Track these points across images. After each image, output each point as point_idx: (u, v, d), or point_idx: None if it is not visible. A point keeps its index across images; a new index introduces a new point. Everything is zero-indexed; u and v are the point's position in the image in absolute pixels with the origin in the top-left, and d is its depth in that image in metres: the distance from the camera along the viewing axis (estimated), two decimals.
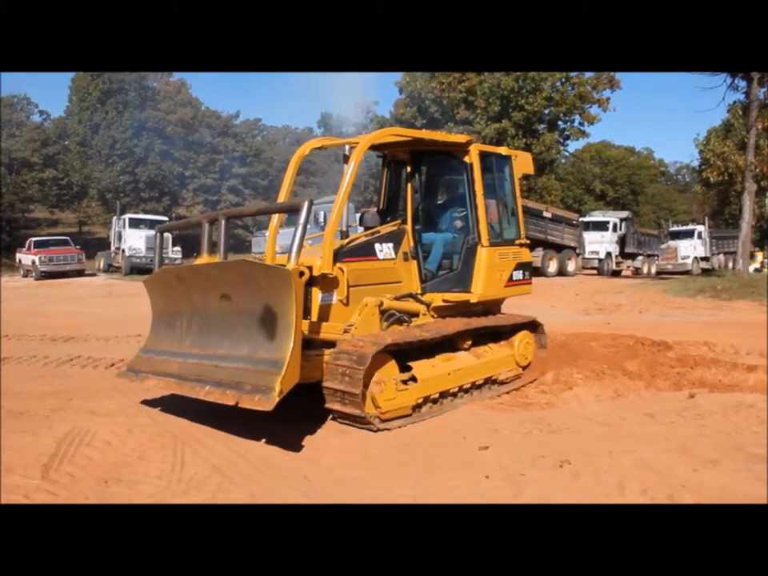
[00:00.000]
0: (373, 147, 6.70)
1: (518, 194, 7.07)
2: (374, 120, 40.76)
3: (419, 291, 6.28)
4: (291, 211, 5.77)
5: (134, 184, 45.21)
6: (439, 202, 7.11)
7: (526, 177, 27.57)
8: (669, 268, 29.55)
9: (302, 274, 4.44)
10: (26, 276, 29.25)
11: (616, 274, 28.41)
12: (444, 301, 6.35)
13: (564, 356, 7.63)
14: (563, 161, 49.19)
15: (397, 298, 5.95)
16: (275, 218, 6.26)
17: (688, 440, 4.74)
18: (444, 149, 6.64)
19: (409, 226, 6.41)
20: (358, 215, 7.29)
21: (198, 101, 52.70)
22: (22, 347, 9.42)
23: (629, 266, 30.07)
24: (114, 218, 31.93)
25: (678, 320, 12.29)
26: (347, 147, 5.97)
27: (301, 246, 4.61)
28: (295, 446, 4.75)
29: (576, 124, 39.24)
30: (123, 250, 28.25)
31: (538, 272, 23.46)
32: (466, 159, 6.48)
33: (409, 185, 6.69)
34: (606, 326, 10.84)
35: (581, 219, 28.63)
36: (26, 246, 29.83)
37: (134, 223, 29.80)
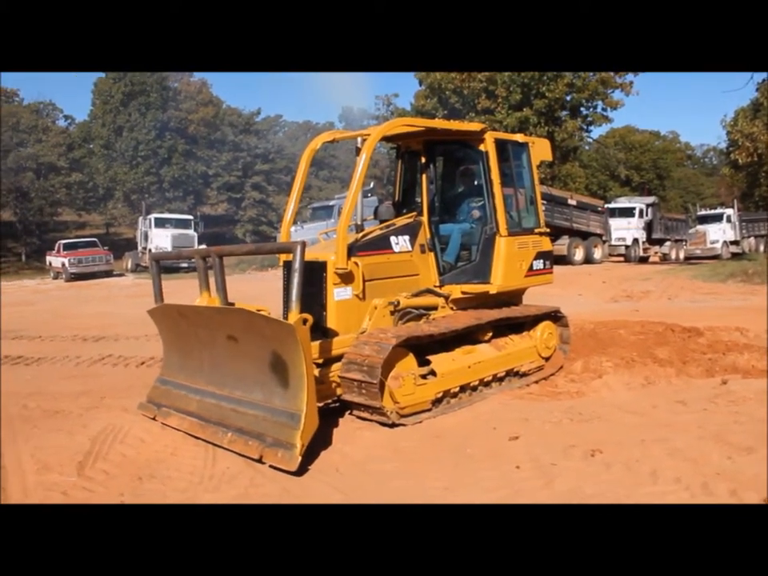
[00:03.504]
0: (386, 139, 6.63)
1: (536, 181, 6.94)
2: (394, 112, 40.59)
3: (437, 283, 6.21)
4: (284, 252, 5.68)
5: (158, 184, 45.70)
6: (456, 192, 6.99)
7: (549, 164, 27.08)
8: (698, 253, 29.07)
9: (305, 321, 4.30)
10: (56, 278, 29.80)
11: (643, 260, 28.02)
12: (463, 293, 6.27)
13: (593, 344, 7.57)
14: (587, 147, 48.58)
15: (414, 295, 5.90)
16: (288, 213, 6.17)
17: (722, 427, 4.66)
18: (458, 138, 6.52)
19: (425, 218, 6.32)
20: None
21: (219, 99, 53.07)
22: (55, 348, 9.60)
23: (656, 252, 29.65)
24: (140, 218, 32.44)
25: (709, 305, 12.09)
26: (359, 139, 5.85)
27: (300, 292, 4.40)
28: (326, 439, 4.76)
29: (599, 110, 38.71)
30: (150, 250, 28.58)
31: (565, 260, 23.27)
32: (482, 147, 6.37)
33: (423, 176, 6.59)
34: (635, 313, 10.71)
35: (606, 206, 28.26)
36: (56, 248, 30.39)
37: (160, 223, 30.33)
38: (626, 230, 27.59)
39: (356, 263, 5.43)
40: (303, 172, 6.16)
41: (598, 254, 25.67)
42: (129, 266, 32.22)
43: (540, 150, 7.07)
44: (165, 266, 26.31)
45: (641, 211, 28.36)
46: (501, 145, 6.51)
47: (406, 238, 6.02)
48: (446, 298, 6.20)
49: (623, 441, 4.53)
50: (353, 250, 5.47)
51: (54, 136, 46.67)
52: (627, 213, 28.31)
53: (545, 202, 23.18)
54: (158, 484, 4.15)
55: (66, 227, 48.93)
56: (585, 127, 39.46)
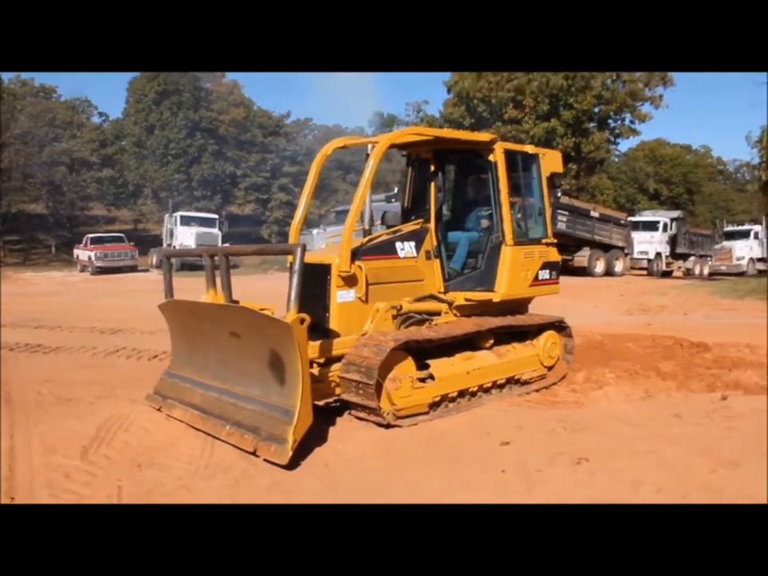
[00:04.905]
0: (396, 146, 6.75)
1: (545, 192, 6.99)
2: (423, 119, 40.72)
3: (442, 290, 6.31)
4: (286, 254, 5.71)
5: (187, 183, 46.25)
6: (465, 200, 7.09)
7: (575, 176, 26.71)
8: (722, 269, 28.73)
9: (302, 321, 4.44)
10: (82, 271, 30.32)
11: (666, 275, 27.74)
12: (466, 299, 6.36)
13: (598, 356, 7.60)
14: (615, 159, 48.21)
15: (417, 300, 5.99)
16: (298, 215, 6.30)
17: (712, 442, 4.69)
18: (468, 147, 6.62)
19: (432, 225, 6.42)
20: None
21: (251, 101, 53.49)
22: (73, 338, 9.88)
23: (680, 267, 29.32)
24: (166, 215, 32.88)
25: (724, 322, 11.98)
26: (369, 146, 5.97)
27: (299, 292, 4.53)
28: (322, 436, 4.89)
29: (627, 122, 38.49)
30: (174, 247, 28.98)
31: (585, 272, 23.19)
32: (491, 158, 6.45)
33: (432, 184, 6.67)
34: (647, 326, 10.67)
35: (630, 219, 28.05)
36: (83, 242, 30.89)
37: (185, 221, 30.72)
38: (649, 244, 27.30)
39: (360, 267, 5.55)
40: (314, 176, 6.30)
41: (619, 266, 25.49)
42: (153, 261, 32.58)
43: (551, 161, 7.13)
44: (189, 263, 26.81)
45: (665, 225, 28.06)
46: (510, 155, 6.59)
47: (412, 244, 6.13)
48: (450, 304, 6.29)
49: (613, 451, 4.58)
50: (357, 254, 5.59)
51: (88, 132, 47.51)
52: (650, 226, 28.03)
53: (567, 213, 23.21)
54: (156, 471, 4.32)
55: (96, 221, 49.75)
56: (612, 139, 39.24)
